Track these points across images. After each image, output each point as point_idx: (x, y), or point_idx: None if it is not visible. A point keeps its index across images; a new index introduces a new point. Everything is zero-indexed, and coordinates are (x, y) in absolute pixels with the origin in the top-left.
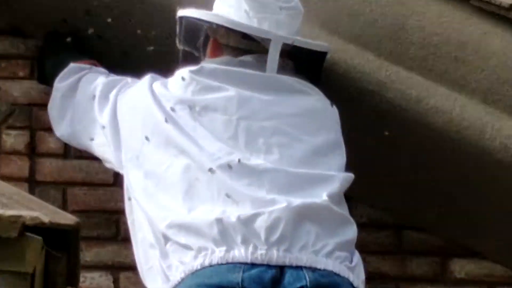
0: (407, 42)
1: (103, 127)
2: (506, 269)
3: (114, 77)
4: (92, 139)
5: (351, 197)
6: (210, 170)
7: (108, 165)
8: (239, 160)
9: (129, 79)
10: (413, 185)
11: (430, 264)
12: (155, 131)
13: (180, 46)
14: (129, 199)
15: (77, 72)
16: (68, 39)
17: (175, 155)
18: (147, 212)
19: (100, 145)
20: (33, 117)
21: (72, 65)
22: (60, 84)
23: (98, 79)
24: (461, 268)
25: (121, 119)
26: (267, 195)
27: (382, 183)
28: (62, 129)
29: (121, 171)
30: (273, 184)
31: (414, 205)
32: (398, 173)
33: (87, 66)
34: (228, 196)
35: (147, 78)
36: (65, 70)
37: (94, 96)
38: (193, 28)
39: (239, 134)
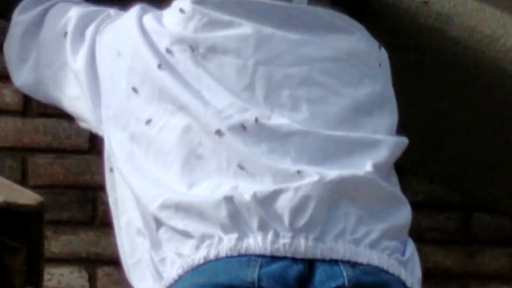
0: None
1: (77, 74)
2: None
3: (91, 8)
4: (62, 90)
5: (404, 169)
6: (218, 132)
7: (83, 125)
8: (256, 119)
9: (111, 11)
10: (486, 151)
11: (507, 257)
12: (146, 80)
13: None
14: (111, 170)
15: (44, 1)
16: None
17: (171, 112)
18: (134, 187)
19: (73, 98)
20: None
21: None
22: (21, 17)
23: (71, 11)
24: None
25: (100, 63)
26: (293, 165)
27: (443, 149)
28: (23, 76)
29: (100, 133)
30: (301, 151)
31: (488, 180)
32: (465, 134)
33: None
34: (241, 167)
35: (135, 9)
36: None
37: (66, 33)
38: None
39: (256, 83)
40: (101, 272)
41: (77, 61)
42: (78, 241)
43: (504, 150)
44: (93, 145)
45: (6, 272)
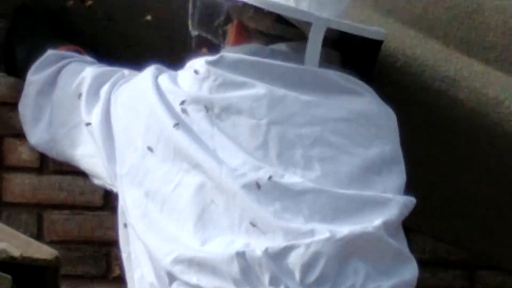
0: (483, 28)
1: (92, 132)
2: None
3: (105, 68)
4: (76, 148)
5: (410, 226)
6: (232, 190)
7: (97, 182)
8: (269, 177)
9: (125, 71)
10: (491, 212)
11: None
12: (161, 139)
13: (193, 30)
14: (125, 226)
15: (57, 61)
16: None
17: (186, 170)
18: (147, 243)
19: (87, 156)
20: (0, 120)
21: (50, 52)
22: (35, 76)
23: (85, 71)
24: None
25: (115, 122)
26: (306, 224)
27: (449, 209)
28: (37, 135)
29: (114, 189)
30: (314, 209)
31: (491, 237)
32: (471, 195)
33: (70, 53)
34: (253, 224)
35: (150, 69)
36: (42, 58)
37: (80, 94)
38: (211, 7)
39: (269, 143)
40: None
41: (93, 119)
42: None
43: (509, 209)
44: (107, 201)
45: None
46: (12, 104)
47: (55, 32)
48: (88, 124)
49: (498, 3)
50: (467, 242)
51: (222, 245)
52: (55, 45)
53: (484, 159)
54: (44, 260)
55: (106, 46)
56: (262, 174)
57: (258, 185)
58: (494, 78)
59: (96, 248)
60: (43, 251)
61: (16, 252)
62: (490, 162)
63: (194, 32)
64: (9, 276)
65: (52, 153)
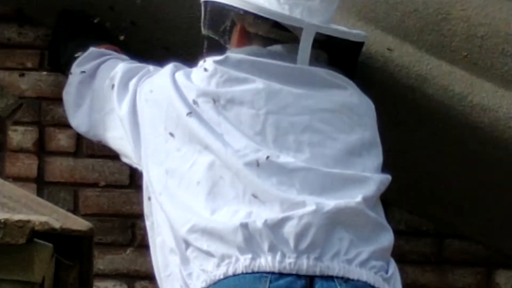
0: (450, 34)
1: (122, 119)
2: None
3: (134, 64)
4: (109, 131)
5: (388, 201)
6: (236, 167)
7: (125, 160)
8: (267, 157)
9: (151, 67)
10: (456, 189)
11: (473, 275)
12: (179, 126)
13: (204, 32)
14: (149, 198)
15: (97, 57)
16: (96, 20)
17: (199, 151)
18: (168, 213)
19: (118, 138)
20: (42, 112)
21: (92, 49)
22: (78, 69)
23: (118, 66)
24: (507, 280)
25: (141, 111)
26: (298, 196)
27: (421, 187)
28: (78, 119)
29: (139, 168)
30: (304, 184)
31: (457, 211)
32: (439, 176)
33: (108, 51)
34: (254, 196)
35: (169, 66)
36: (85, 54)
37: (113, 85)
38: (219, 13)
39: (267, 129)
40: (139, 285)
41: (122, 109)
42: (120, 260)
43: (471, 187)
44: (133, 180)
45: (62, 286)
46: (51, 99)
47: (96, 33)
48: (120, 118)
49: (463, 13)
50: (436, 214)
51: (229, 214)
52: (96, 44)
53: (451, 145)
54: (80, 231)
55: (133, 47)
56: (261, 155)
57: (257, 163)
58: (459, 76)
59: (123, 220)
60: (78, 223)
61: (56, 224)
62: (456, 147)
63: (205, 35)
64: (50, 245)
65: (89, 135)
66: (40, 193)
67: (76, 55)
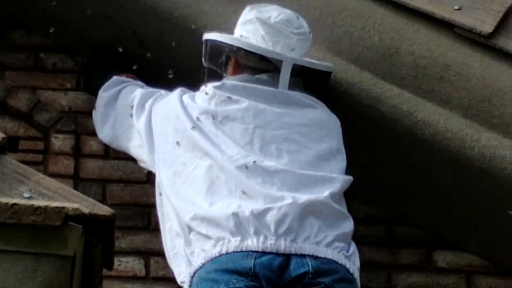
0: (399, 64)
1: (139, 132)
2: (483, 260)
3: (149, 89)
4: (129, 142)
5: (351, 195)
6: (229, 170)
7: (142, 165)
8: (254, 162)
9: (162, 91)
10: (404, 186)
11: (417, 254)
12: (184, 137)
13: (205, 64)
14: (160, 194)
15: (119, 84)
16: (120, 49)
17: (200, 157)
18: (175, 205)
19: (136, 147)
20: (78, 123)
21: (115, 77)
22: (104, 93)
23: (136, 91)
24: (443, 258)
25: (154, 125)
26: (278, 192)
27: (377, 184)
28: (104, 132)
29: (153, 170)
30: (283, 182)
31: (405, 203)
32: (391, 176)
33: (128, 79)
34: (244, 192)
35: (177, 91)
36: (109, 82)
37: (132, 106)
38: (217, 49)
39: (254, 140)
40: (153, 260)
41: (139, 123)
42: (138, 240)
43: (417, 185)
44: (149, 178)
45: (90, 259)
46: (85, 113)
47: (118, 64)
48: (138, 131)
49: (410, 48)
50: (388, 206)
51: (223, 206)
52: (118, 73)
53: (400, 150)
54: (104, 215)
55: (152, 76)
56: (249, 160)
57: (246, 167)
58: (407, 98)
59: (141, 208)
60: (103, 210)
61: (85, 210)
62: (404, 152)
63: (205, 65)
64: (80, 226)
65: (113, 145)
66: (76, 187)
67: (102, 83)
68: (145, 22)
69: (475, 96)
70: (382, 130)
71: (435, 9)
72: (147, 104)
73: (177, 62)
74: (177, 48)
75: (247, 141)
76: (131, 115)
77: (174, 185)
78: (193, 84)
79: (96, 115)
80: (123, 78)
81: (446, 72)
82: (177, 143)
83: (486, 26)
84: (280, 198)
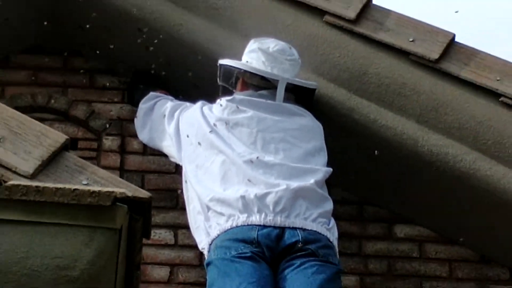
0: (367, 82)
1: (170, 135)
2: (431, 231)
3: (177, 102)
4: (162, 142)
5: (330, 183)
6: (238, 163)
7: (172, 160)
8: (257, 157)
9: (187, 104)
10: (370, 175)
11: (381, 228)
12: (204, 138)
13: (219, 83)
14: (185, 182)
15: (154, 98)
16: (152, 71)
17: (216, 154)
18: (197, 190)
19: (168, 146)
20: (123, 128)
21: (151, 93)
22: (143, 105)
23: (167, 104)
24: (401, 230)
25: (181, 130)
26: (275, 180)
27: (351, 174)
28: (143, 135)
29: (180, 163)
30: (279, 173)
31: (371, 188)
32: (361, 168)
33: (161, 94)
34: (249, 180)
35: (199, 103)
36: (147, 96)
37: (164, 115)
38: (229, 72)
39: (257, 141)
40: (180, 232)
41: (170, 128)
42: (169, 216)
43: (381, 175)
44: (177, 169)
45: (132, 231)
46: (128, 120)
47: (153, 83)
48: (169, 134)
49: (375, 70)
50: (359, 192)
51: (234, 190)
52: (153, 90)
53: (368, 149)
54: (143, 198)
55: (179, 92)
56: (254, 156)
57: (251, 161)
58: (373, 108)
59: (171, 193)
60: (143, 193)
61: (129, 194)
62: (371, 150)
63: (220, 84)
64: (125, 206)
65: (149, 144)
66: (121, 176)
67: (141, 97)
68: (175, 51)
69: (425, 107)
70: (355, 134)
71: (394, 41)
72: (176, 114)
73: (199, 81)
74: (198, 71)
75: (252, 142)
76: (163, 122)
77: (196, 175)
78: (211, 98)
79: (137, 122)
80: (157, 93)
81: (403, 89)
82: (199, 143)
83: (434, 53)
84: (277, 185)
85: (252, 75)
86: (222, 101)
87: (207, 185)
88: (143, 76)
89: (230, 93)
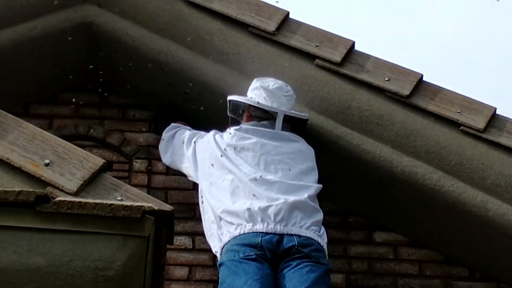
0: (351, 114)
1: (188, 158)
2: (404, 237)
3: (194, 131)
4: (182, 164)
5: (321, 196)
6: (245, 182)
7: (190, 178)
8: (260, 176)
9: (202, 133)
10: (354, 190)
11: (362, 234)
12: (216, 161)
13: (229, 114)
14: (201, 197)
15: (175, 128)
16: (174, 106)
17: (226, 173)
18: (210, 203)
19: (186, 167)
20: (149, 153)
21: (172, 124)
22: (166, 134)
23: (186, 132)
24: (379, 236)
25: (198, 154)
26: (275, 195)
27: (337, 190)
28: (166, 158)
29: (197, 181)
30: (279, 189)
31: (354, 201)
32: (346, 184)
33: (180, 125)
34: (254, 195)
35: (212, 132)
36: (169, 126)
37: (183, 142)
38: (236, 106)
39: (260, 163)
40: (197, 238)
41: (188, 152)
42: (188, 225)
43: (364, 193)
44: (194, 187)
45: (158, 238)
46: (154, 146)
47: (175, 115)
48: (187, 158)
49: (357, 104)
50: (344, 203)
51: (241, 204)
52: (175, 121)
53: (351, 169)
54: (167, 211)
55: (196, 122)
56: (257, 175)
57: (255, 179)
58: (356, 136)
59: (189, 206)
60: (167, 207)
61: (155, 207)
62: (354, 170)
63: (229, 116)
64: (152, 218)
65: (171, 166)
66: (149, 193)
67: (164, 127)
68: (194, 89)
69: (399, 134)
70: (341, 157)
71: (373, 80)
72: (193, 141)
73: (212, 114)
74: (211, 106)
75: (256, 163)
76: (183, 148)
77: (210, 191)
78: (222, 127)
79: (161, 147)
80: (178, 124)
81: (380, 119)
82: (212, 164)
83: (405, 90)
84: (277, 199)
85: (256, 108)
86: (231, 130)
87: (219, 199)
88: (166, 110)
89: (237, 123)
